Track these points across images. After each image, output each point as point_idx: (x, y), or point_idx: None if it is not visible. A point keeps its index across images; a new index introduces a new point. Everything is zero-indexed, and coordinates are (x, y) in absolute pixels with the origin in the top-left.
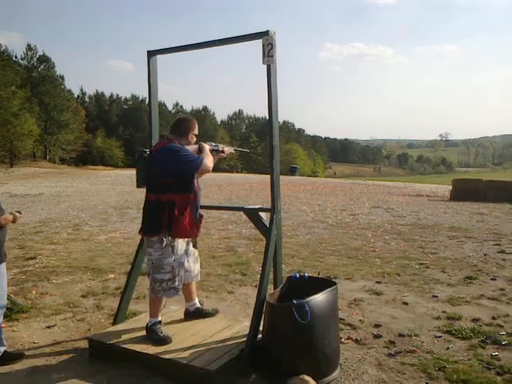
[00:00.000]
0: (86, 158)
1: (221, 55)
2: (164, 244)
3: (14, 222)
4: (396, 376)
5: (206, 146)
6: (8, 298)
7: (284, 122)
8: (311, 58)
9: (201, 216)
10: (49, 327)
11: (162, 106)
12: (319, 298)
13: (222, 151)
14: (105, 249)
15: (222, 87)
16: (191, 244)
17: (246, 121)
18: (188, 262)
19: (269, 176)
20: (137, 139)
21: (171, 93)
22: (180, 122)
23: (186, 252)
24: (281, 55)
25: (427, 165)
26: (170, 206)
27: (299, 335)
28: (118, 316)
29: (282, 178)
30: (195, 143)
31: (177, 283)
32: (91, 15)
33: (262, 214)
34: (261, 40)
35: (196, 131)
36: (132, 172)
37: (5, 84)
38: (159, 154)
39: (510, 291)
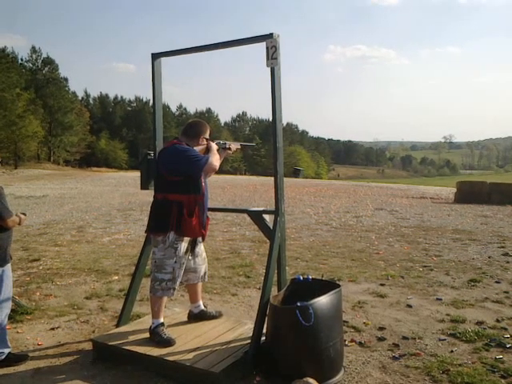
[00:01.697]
0: (89, 159)
1: (225, 57)
2: (167, 244)
3: (19, 224)
4: (400, 379)
5: (214, 146)
6: (12, 300)
7: (287, 123)
8: (315, 60)
9: (207, 217)
10: (53, 329)
11: (165, 107)
12: (323, 301)
13: (229, 148)
14: (109, 251)
15: (225, 89)
16: (199, 245)
17: (250, 123)
18: (195, 262)
19: (272, 178)
20: (142, 142)
21: (175, 95)
22: (192, 125)
23: (193, 253)
24: (284, 57)
25: (431, 167)
26: (178, 207)
27: (303, 337)
28: (122, 318)
29: (285, 180)
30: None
31: (176, 284)
32: (94, 17)
33: (266, 217)
34: (265, 42)
35: (207, 135)
36: (136, 174)
37: (9, 86)
38: (166, 153)
39: None
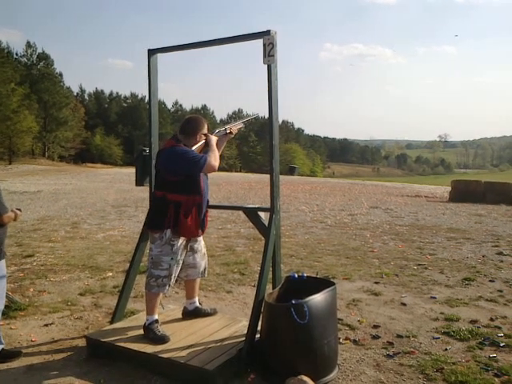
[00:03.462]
0: (84, 155)
1: (221, 54)
2: (164, 241)
3: (14, 219)
4: (394, 377)
5: (213, 140)
6: (6, 296)
7: (283, 121)
8: (311, 58)
9: (206, 211)
10: (46, 325)
11: (161, 104)
12: (318, 298)
13: (230, 132)
14: (103, 247)
15: (221, 86)
16: (199, 241)
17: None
18: (194, 258)
19: (267, 175)
20: (137, 138)
21: (171, 91)
22: (189, 122)
23: (193, 248)
24: (281, 55)
25: (426, 165)
26: (175, 206)
27: (297, 335)
28: (116, 314)
29: (280, 177)
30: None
31: (172, 281)
32: (91, 13)
33: (261, 214)
34: (262, 40)
35: (205, 130)
36: (131, 170)
37: (4, 81)
38: (165, 154)
39: (507, 293)
